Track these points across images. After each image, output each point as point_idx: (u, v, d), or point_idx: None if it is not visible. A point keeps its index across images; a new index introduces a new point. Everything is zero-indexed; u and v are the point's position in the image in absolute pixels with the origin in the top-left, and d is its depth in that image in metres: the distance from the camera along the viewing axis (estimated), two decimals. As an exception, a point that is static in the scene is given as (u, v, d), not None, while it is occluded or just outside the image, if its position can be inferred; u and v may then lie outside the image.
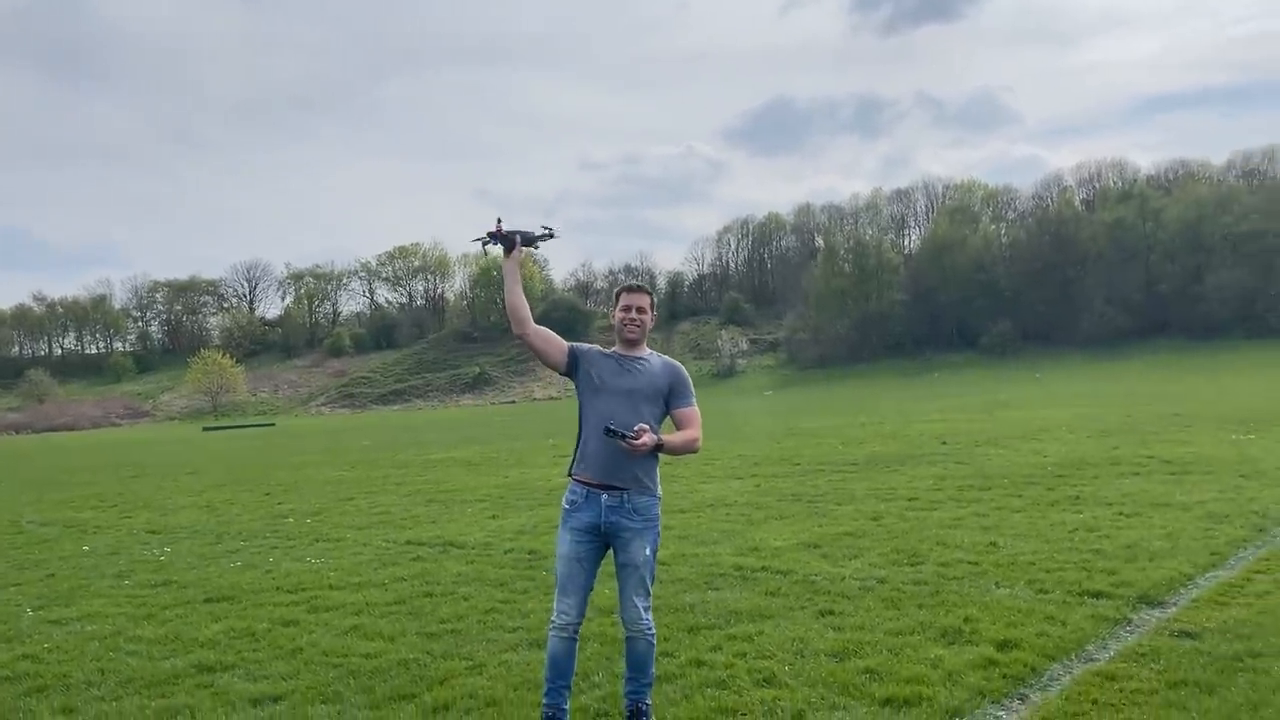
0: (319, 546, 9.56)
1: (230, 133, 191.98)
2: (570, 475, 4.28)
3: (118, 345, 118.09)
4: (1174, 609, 5.61)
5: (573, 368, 4.25)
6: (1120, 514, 8.81)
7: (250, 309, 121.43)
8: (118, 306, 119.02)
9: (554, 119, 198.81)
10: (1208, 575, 6.38)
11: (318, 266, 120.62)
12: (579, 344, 4.33)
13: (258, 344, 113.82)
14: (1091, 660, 4.79)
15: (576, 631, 4.20)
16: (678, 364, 4.38)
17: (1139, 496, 9.75)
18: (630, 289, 4.33)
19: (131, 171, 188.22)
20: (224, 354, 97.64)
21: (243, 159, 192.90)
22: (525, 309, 4.17)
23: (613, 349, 4.33)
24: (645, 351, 4.32)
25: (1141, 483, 10.72)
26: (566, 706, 4.22)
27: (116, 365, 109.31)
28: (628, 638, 4.26)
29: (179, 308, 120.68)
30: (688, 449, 4.23)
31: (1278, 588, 5.91)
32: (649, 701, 4.26)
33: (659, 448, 4.05)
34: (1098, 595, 5.94)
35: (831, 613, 5.86)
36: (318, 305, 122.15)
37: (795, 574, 7.00)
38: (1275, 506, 8.74)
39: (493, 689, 4.75)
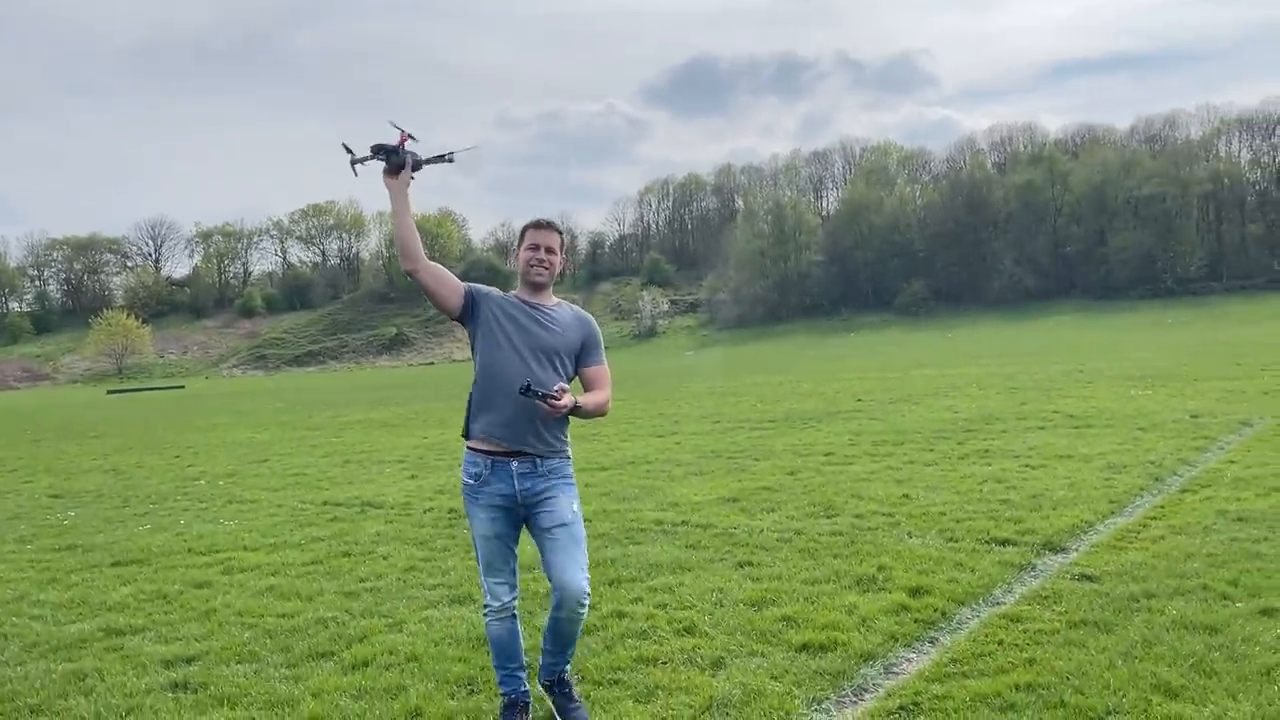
0: (232, 509, 9.35)
1: (129, 82, 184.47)
2: (466, 440, 3.84)
3: (13, 305, 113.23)
4: (1075, 554, 5.84)
5: (469, 312, 3.75)
6: (1026, 466, 9.12)
7: (156, 268, 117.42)
8: (13, 265, 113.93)
9: (471, 74, 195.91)
10: (1107, 522, 6.65)
11: (227, 224, 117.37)
12: (478, 285, 3.85)
13: (164, 304, 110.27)
14: (998, 604, 4.96)
15: (514, 610, 3.84)
16: (589, 316, 3.93)
17: (1044, 449, 10.10)
18: (538, 225, 3.80)
19: (22, 121, 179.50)
20: (128, 314, 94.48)
21: (144, 111, 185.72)
22: (416, 241, 3.72)
23: (513, 293, 3.84)
24: (552, 299, 3.85)
25: (1047, 436, 11.10)
26: (527, 689, 3.84)
27: (13, 326, 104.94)
28: (557, 618, 3.76)
29: (79, 266, 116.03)
30: (599, 411, 3.79)
31: (1172, 533, 6.19)
32: (568, 668, 3.99)
33: (574, 410, 3.65)
34: (1004, 543, 6.15)
35: (750, 564, 5.96)
36: (228, 264, 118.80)
37: (715, 527, 7.09)
38: (1170, 457, 9.14)
39: (413, 645, 4.72)
